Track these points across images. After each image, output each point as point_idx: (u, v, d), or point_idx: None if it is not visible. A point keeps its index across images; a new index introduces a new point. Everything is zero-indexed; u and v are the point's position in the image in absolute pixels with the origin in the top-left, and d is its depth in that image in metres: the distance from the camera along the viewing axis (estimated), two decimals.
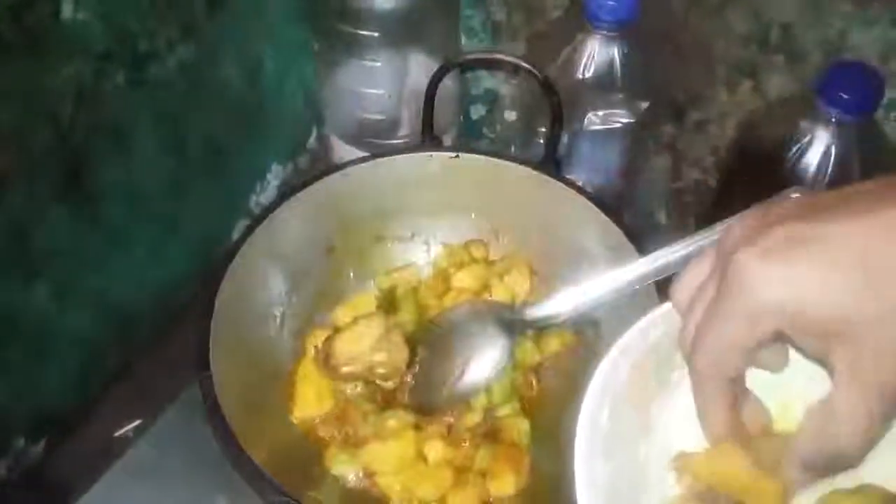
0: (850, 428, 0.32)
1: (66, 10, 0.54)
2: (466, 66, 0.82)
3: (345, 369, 0.60)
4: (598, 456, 0.37)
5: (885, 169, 0.60)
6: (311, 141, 0.87)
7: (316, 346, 0.62)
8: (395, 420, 0.59)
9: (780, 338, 0.33)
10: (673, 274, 0.43)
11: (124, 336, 0.69)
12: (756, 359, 0.36)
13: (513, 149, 0.80)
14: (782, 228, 0.33)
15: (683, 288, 0.37)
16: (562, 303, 0.55)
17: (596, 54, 0.67)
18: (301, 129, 0.85)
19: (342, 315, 0.65)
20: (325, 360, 0.60)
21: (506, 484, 0.58)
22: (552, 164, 0.65)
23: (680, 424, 0.39)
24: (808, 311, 0.32)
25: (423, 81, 0.65)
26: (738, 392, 0.36)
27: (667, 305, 0.39)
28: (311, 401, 0.60)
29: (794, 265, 0.32)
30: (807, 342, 0.33)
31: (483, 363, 0.58)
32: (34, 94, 0.54)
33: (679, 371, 0.39)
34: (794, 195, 0.45)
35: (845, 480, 0.36)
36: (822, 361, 0.33)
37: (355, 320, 0.62)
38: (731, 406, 0.36)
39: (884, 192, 0.33)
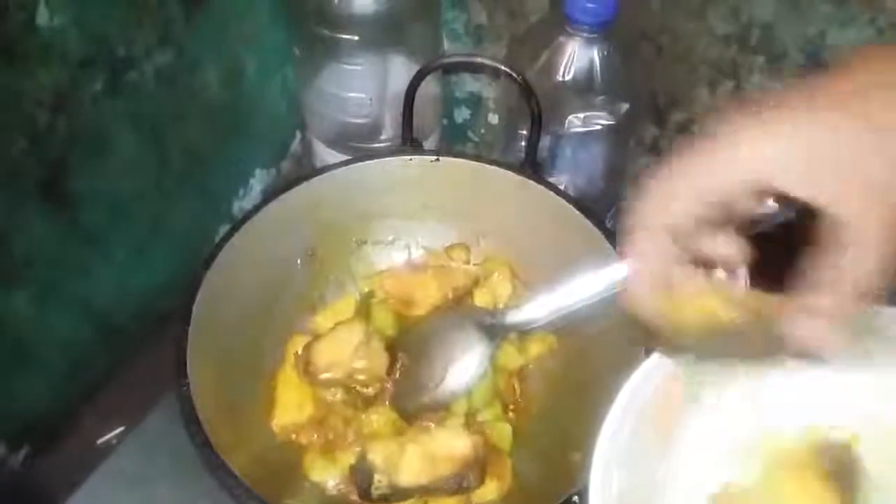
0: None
1: (42, 17, 0.53)
2: (448, 70, 0.82)
3: (325, 376, 0.60)
4: (614, 465, 0.37)
5: None
6: (295, 145, 0.86)
7: (296, 353, 0.62)
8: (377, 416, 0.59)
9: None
10: None
11: (107, 342, 0.69)
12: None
13: (497, 152, 0.80)
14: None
15: None
16: (543, 306, 0.54)
17: (576, 56, 0.67)
18: (284, 134, 0.85)
19: (322, 321, 0.65)
20: (305, 367, 0.60)
21: (488, 489, 0.57)
22: (532, 166, 0.65)
23: (700, 451, 0.40)
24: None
25: (404, 85, 0.65)
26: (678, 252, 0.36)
27: None
28: (291, 407, 0.60)
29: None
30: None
31: (463, 368, 0.58)
32: (11, 101, 0.54)
33: (709, 395, 0.40)
34: None
35: None
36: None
37: (335, 326, 0.62)
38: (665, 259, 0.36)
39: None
